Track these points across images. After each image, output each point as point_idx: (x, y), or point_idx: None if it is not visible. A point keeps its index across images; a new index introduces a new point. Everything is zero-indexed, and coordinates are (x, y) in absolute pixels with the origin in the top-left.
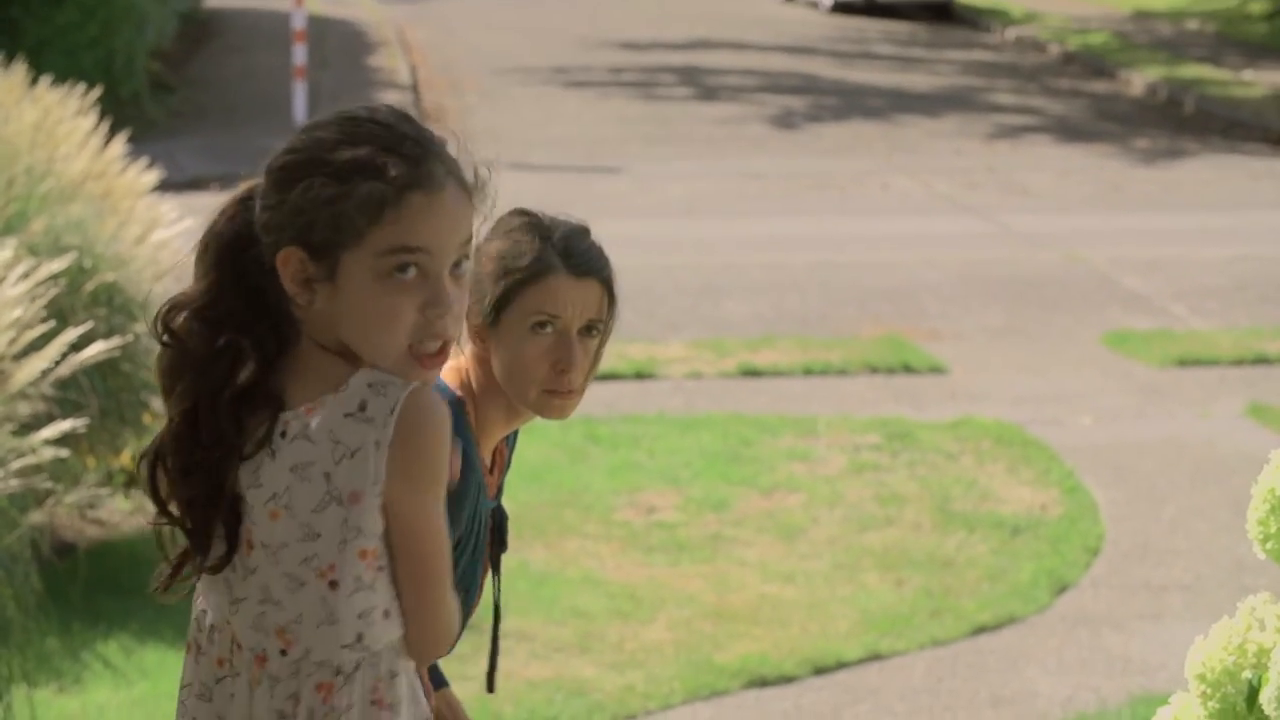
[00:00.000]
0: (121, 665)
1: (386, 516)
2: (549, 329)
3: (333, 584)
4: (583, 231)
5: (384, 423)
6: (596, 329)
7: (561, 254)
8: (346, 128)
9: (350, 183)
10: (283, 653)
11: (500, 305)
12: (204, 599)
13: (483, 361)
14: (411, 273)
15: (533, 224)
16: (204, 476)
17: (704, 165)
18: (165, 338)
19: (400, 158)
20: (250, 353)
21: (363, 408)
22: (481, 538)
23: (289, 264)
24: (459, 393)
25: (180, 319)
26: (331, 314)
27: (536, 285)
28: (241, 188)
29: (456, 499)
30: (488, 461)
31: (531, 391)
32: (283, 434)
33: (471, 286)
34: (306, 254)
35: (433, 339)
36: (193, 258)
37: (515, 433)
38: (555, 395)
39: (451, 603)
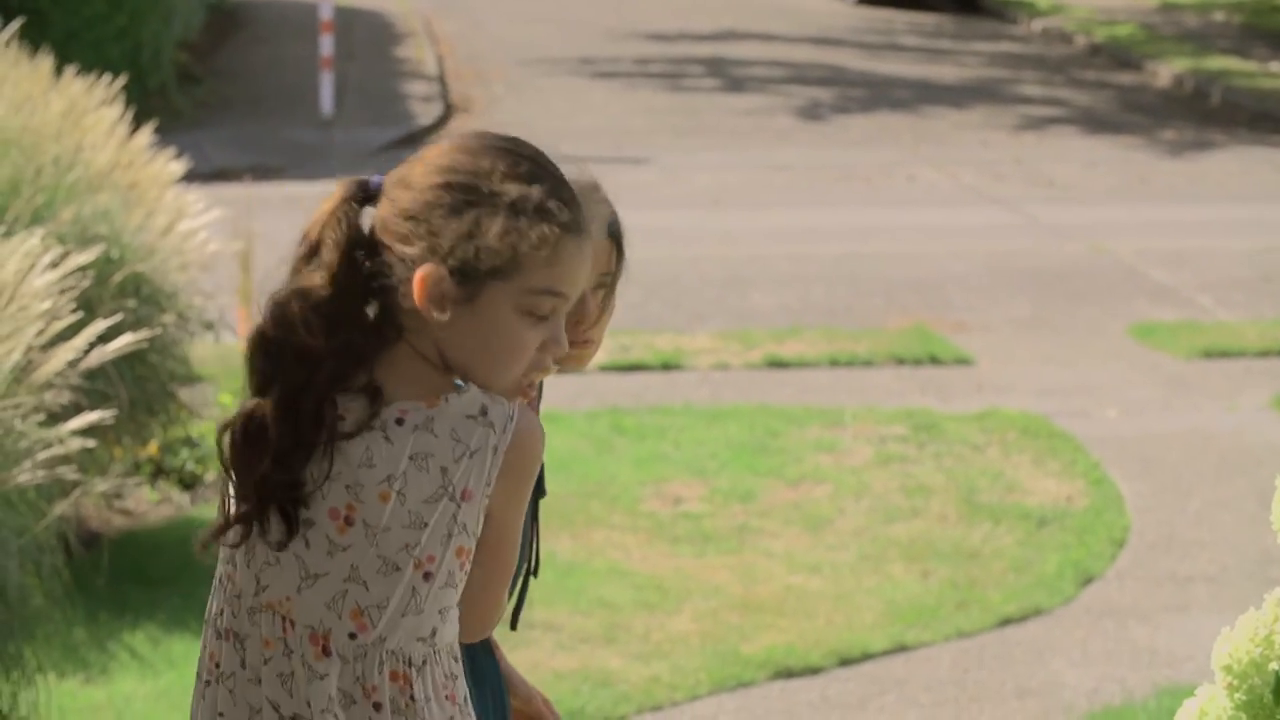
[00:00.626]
0: (148, 655)
1: (485, 517)
2: None
3: (427, 575)
4: (592, 187)
5: (504, 428)
6: (607, 282)
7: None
8: (508, 160)
9: (526, 220)
10: (352, 635)
11: None
12: (245, 581)
13: None
14: (546, 312)
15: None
16: (293, 461)
17: (731, 156)
18: (273, 326)
19: (563, 201)
20: (363, 352)
21: (484, 412)
22: None
23: (431, 280)
24: None
25: (297, 308)
26: (453, 332)
27: None
28: (349, 184)
29: None
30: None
31: None
32: (399, 421)
33: None
34: (450, 275)
35: (540, 373)
36: (297, 250)
37: (542, 385)
38: (571, 345)
39: (504, 595)
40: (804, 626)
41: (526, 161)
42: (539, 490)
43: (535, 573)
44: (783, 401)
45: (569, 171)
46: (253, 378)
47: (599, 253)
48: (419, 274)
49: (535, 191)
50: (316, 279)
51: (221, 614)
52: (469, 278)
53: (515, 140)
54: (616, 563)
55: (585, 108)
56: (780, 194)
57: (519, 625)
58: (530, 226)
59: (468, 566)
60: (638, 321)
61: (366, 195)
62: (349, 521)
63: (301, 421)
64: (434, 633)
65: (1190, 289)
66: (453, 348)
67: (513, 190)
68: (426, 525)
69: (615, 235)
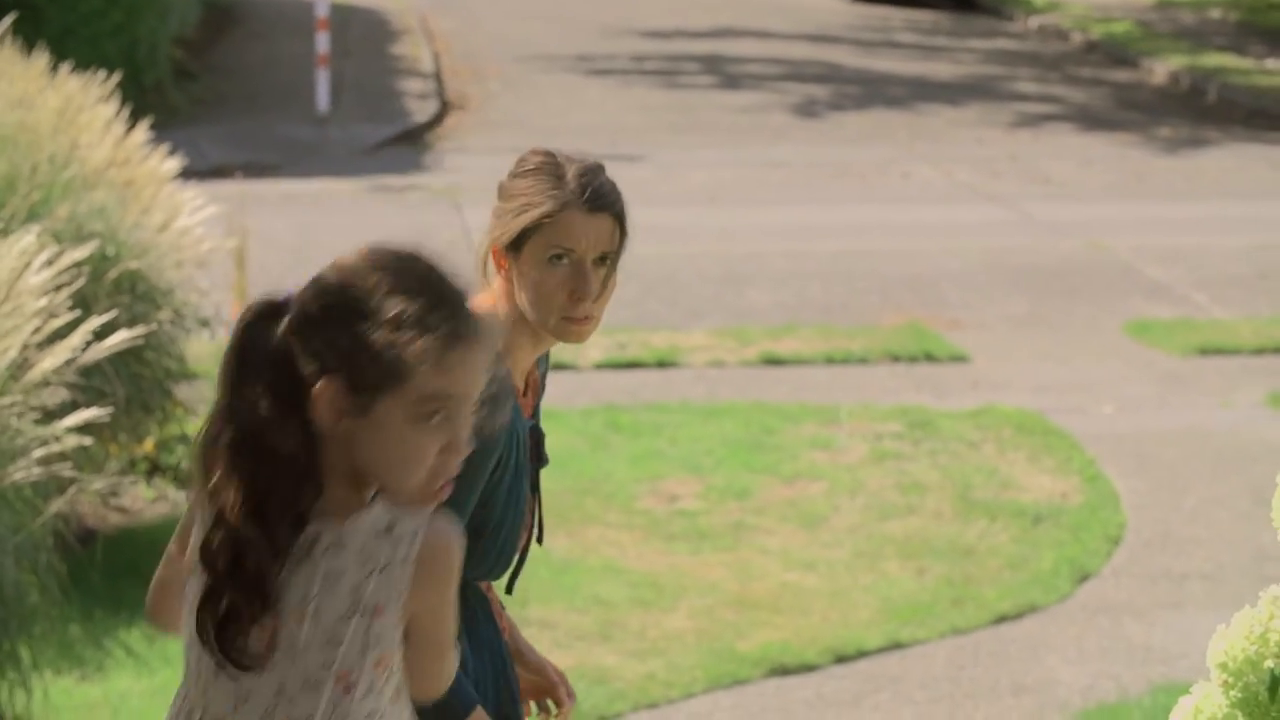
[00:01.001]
0: (144, 653)
1: (407, 618)
2: (565, 261)
3: (348, 688)
4: (597, 169)
5: (411, 541)
6: (609, 259)
7: (577, 190)
8: (394, 276)
9: (406, 333)
10: None
11: (521, 239)
12: (196, 696)
13: (508, 293)
14: (440, 418)
15: (550, 162)
16: (263, 582)
17: (727, 154)
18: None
19: (446, 312)
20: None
21: (390, 528)
22: (522, 455)
23: (327, 394)
24: None
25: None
26: (354, 443)
27: (554, 220)
28: (258, 302)
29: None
30: (521, 385)
31: (551, 318)
32: (313, 541)
33: (493, 221)
34: (347, 388)
35: (444, 475)
36: (220, 372)
37: (547, 356)
38: (572, 322)
39: (452, 659)
40: (799, 624)
41: (410, 276)
42: (540, 459)
43: (540, 540)
44: (778, 399)
45: (571, 156)
46: (215, 496)
47: (602, 230)
48: (315, 390)
49: (416, 305)
50: (234, 400)
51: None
52: (360, 391)
53: (407, 255)
54: (612, 560)
55: (581, 105)
56: (776, 191)
57: (514, 588)
58: (411, 339)
59: (393, 670)
60: (634, 319)
61: (276, 311)
62: (271, 644)
63: (265, 545)
64: None
65: (1186, 286)
66: (358, 458)
67: (394, 305)
68: (342, 643)
69: (618, 214)
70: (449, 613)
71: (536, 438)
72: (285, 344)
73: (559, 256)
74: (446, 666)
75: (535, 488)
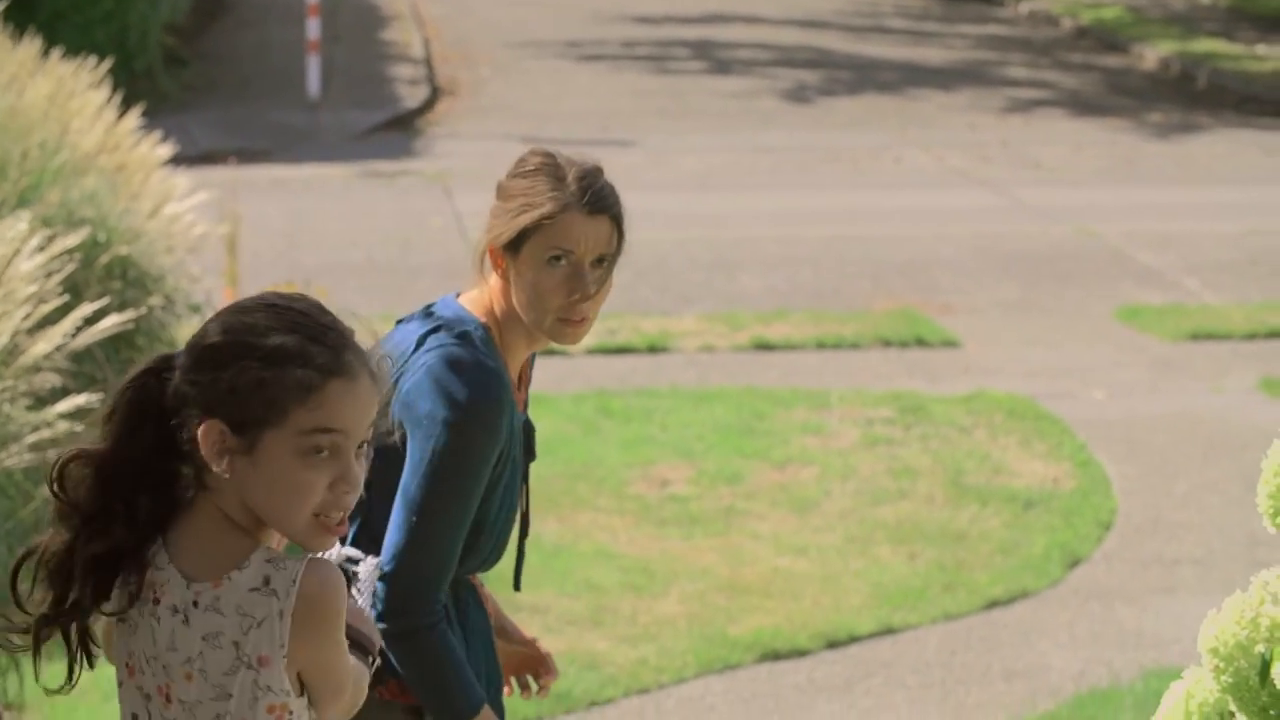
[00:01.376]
0: None
1: (296, 667)
2: (564, 262)
3: None
4: (596, 171)
5: (286, 593)
6: (606, 261)
7: (577, 193)
8: (273, 315)
9: (281, 368)
10: None
11: (520, 239)
12: None
13: (504, 292)
14: (325, 452)
15: (551, 164)
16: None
17: (717, 139)
18: (55, 487)
19: (324, 346)
20: (140, 515)
21: (266, 581)
22: (518, 449)
23: (210, 436)
24: (484, 319)
25: (76, 470)
26: (243, 484)
27: (553, 222)
28: (153, 358)
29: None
30: (515, 381)
31: (548, 319)
32: (194, 604)
33: (492, 221)
34: (229, 428)
35: (338, 510)
36: (101, 420)
37: (534, 354)
38: (568, 323)
39: (352, 693)
40: (791, 609)
41: (292, 313)
42: (529, 453)
43: (525, 533)
44: (769, 384)
45: (570, 157)
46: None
47: (600, 232)
48: (199, 430)
49: (293, 339)
50: (102, 445)
51: None
52: (243, 428)
53: (293, 295)
54: (603, 545)
55: (572, 90)
56: (767, 177)
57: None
58: (287, 373)
59: (291, 714)
60: (624, 304)
61: (169, 366)
62: (168, 699)
63: (68, 587)
64: None
65: (1177, 272)
66: (247, 496)
67: (273, 340)
68: (231, 695)
69: (616, 217)
70: (337, 655)
71: (527, 431)
72: (175, 392)
73: (557, 258)
74: (345, 702)
75: (524, 479)
